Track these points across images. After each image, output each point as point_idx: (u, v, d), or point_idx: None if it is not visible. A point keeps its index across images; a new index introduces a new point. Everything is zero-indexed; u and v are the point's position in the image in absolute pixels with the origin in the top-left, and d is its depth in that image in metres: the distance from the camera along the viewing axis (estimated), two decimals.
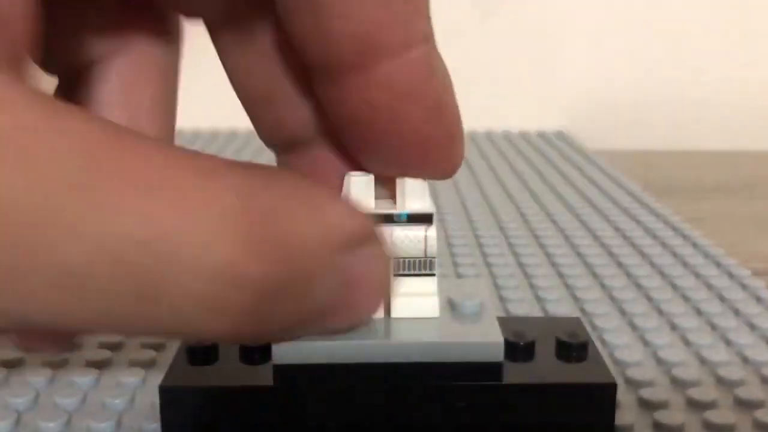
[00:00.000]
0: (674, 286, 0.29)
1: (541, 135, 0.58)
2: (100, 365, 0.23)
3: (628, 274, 0.30)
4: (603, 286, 0.29)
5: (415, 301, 0.19)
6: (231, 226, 0.14)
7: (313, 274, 0.16)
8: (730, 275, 0.30)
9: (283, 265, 0.15)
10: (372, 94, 0.17)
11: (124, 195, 0.13)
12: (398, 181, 0.18)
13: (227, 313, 0.14)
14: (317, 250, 0.16)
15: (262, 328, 0.15)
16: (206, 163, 0.14)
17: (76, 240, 0.12)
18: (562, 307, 0.27)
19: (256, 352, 0.19)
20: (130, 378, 0.22)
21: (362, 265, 0.16)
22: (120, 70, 0.18)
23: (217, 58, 0.19)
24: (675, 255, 0.32)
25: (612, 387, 0.19)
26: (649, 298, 0.28)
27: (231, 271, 0.14)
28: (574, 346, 0.20)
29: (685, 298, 0.28)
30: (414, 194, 0.19)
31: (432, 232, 0.19)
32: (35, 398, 0.21)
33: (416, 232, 0.19)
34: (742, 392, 0.21)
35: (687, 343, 0.25)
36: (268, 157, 0.19)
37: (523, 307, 0.27)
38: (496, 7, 0.58)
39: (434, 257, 0.19)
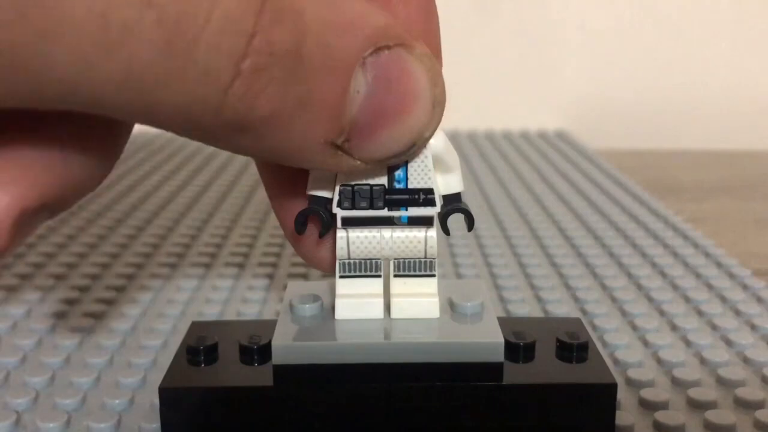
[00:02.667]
0: (675, 287, 0.29)
1: (542, 135, 0.58)
2: (100, 365, 0.23)
3: (629, 275, 0.30)
4: (603, 286, 0.29)
5: (415, 302, 0.19)
6: None
7: (342, 62, 0.15)
8: (731, 275, 0.30)
9: (306, 38, 0.15)
10: None
11: None
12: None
13: (247, 74, 0.14)
14: (340, 35, 0.15)
15: (276, 110, 0.15)
16: None
17: None
18: (562, 308, 0.27)
19: (256, 353, 0.19)
20: (130, 378, 0.22)
21: (397, 63, 0.16)
22: None
23: None
24: (675, 255, 0.32)
25: (612, 387, 0.19)
26: (650, 299, 0.28)
27: (250, 26, 0.14)
28: (574, 347, 0.20)
29: (686, 299, 0.28)
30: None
31: (432, 233, 0.19)
32: (35, 398, 0.21)
33: (416, 233, 0.19)
34: (743, 392, 0.21)
35: (687, 343, 0.25)
36: None
37: (524, 307, 0.27)
38: (496, 8, 0.58)
39: (434, 258, 0.19)
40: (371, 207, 0.19)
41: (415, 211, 0.19)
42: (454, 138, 0.55)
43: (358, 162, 0.17)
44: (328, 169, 0.18)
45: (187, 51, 0.14)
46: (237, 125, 0.15)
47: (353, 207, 0.19)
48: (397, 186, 0.19)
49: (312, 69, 0.15)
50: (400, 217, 0.19)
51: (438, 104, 0.17)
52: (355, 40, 0.16)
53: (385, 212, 0.19)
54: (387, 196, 0.19)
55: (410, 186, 0.19)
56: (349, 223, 0.19)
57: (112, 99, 0.14)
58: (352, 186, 0.18)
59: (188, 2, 0.14)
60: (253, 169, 0.46)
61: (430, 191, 0.19)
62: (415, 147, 0.17)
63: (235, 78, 0.14)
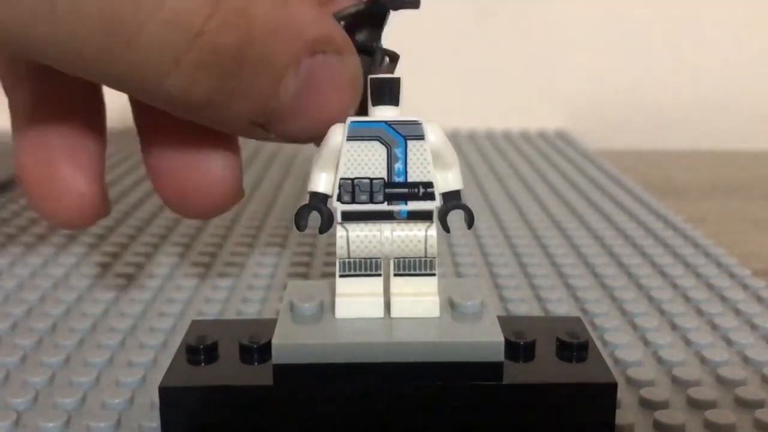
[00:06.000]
0: (675, 286, 0.29)
1: (542, 134, 0.58)
2: (100, 365, 0.23)
3: (629, 274, 0.30)
4: (603, 285, 0.29)
5: (415, 301, 0.19)
6: None
7: (280, 64, 0.17)
8: (731, 275, 0.30)
9: (251, 41, 0.16)
10: None
11: None
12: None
13: (187, 67, 0.16)
14: (284, 41, 0.17)
15: (211, 96, 0.17)
16: None
17: None
18: (562, 307, 0.27)
19: (256, 352, 0.19)
20: (130, 377, 0.22)
21: (328, 69, 0.18)
22: None
23: None
24: (675, 255, 0.32)
25: (612, 387, 0.19)
26: (650, 298, 0.28)
27: (198, 26, 0.16)
28: (574, 346, 0.20)
29: (686, 298, 0.28)
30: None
31: (432, 231, 0.19)
32: (35, 398, 0.21)
33: (416, 232, 0.19)
34: (743, 392, 0.21)
35: (687, 342, 0.25)
36: None
37: (524, 306, 0.27)
38: (496, 8, 0.58)
39: (434, 257, 0.19)
40: (371, 201, 0.19)
41: (414, 206, 0.19)
42: (454, 138, 0.55)
43: (272, 136, 0.19)
44: (243, 136, 0.20)
45: (128, 37, 0.15)
46: (172, 103, 0.17)
47: (353, 201, 0.19)
48: (397, 179, 0.19)
49: (250, 68, 0.17)
50: (399, 212, 0.19)
51: (353, 105, 0.19)
52: (296, 45, 0.17)
53: (384, 206, 0.19)
54: (387, 190, 0.19)
55: (409, 179, 0.19)
56: (348, 217, 0.19)
57: (61, 60, 0.16)
58: (352, 180, 0.18)
59: None
60: (253, 169, 0.46)
61: (430, 185, 0.19)
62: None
63: (173, 69, 0.16)
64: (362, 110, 0.20)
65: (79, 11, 0.15)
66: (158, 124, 0.21)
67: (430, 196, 0.19)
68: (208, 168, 0.21)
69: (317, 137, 0.19)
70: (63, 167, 0.21)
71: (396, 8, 0.20)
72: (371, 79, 0.19)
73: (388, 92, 0.19)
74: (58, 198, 0.21)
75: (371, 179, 0.19)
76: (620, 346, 0.24)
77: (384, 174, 0.19)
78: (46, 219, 0.22)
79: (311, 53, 0.18)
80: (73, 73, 0.17)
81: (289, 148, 0.50)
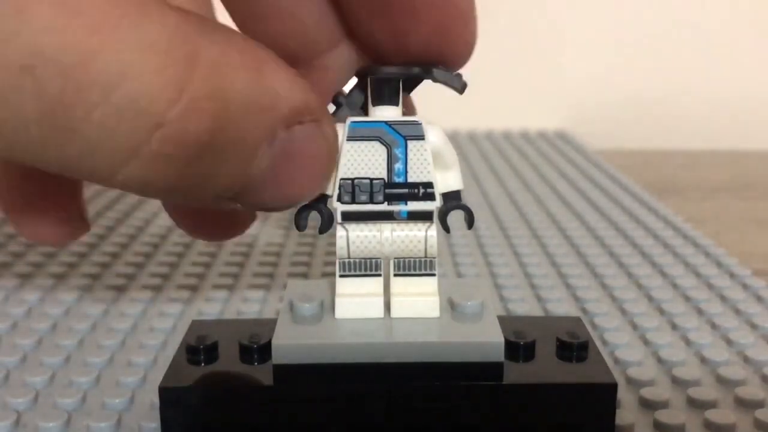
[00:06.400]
0: (675, 286, 0.29)
1: (542, 135, 0.58)
2: (100, 365, 0.23)
3: (629, 274, 0.30)
4: (604, 285, 0.29)
5: (415, 301, 0.19)
6: (165, 64, 0.13)
7: (253, 143, 0.15)
8: (731, 275, 0.30)
9: (222, 125, 0.14)
10: None
11: (37, 6, 0.12)
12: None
13: (148, 158, 0.14)
14: (259, 117, 0.15)
15: (174, 183, 0.15)
16: None
17: None
18: (562, 307, 0.27)
19: (256, 352, 0.19)
20: (130, 377, 0.22)
21: (303, 141, 0.16)
22: None
23: None
24: (676, 255, 0.32)
25: (613, 387, 0.19)
26: (650, 298, 0.28)
27: (161, 114, 0.13)
28: (574, 346, 0.20)
29: (686, 298, 0.28)
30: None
31: (432, 232, 0.19)
32: (35, 398, 0.21)
33: (416, 232, 0.19)
34: (743, 392, 0.21)
35: (687, 342, 0.25)
36: None
37: (524, 306, 0.27)
38: (496, 8, 0.58)
39: (435, 257, 0.19)
40: (371, 201, 0.19)
41: (414, 206, 0.19)
42: (454, 138, 0.55)
43: (239, 206, 0.17)
44: (209, 209, 0.19)
45: (71, 127, 0.13)
46: (128, 189, 0.15)
47: (353, 201, 0.19)
48: (397, 180, 0.19)
49: (220, 152, 0.15)
50: (399, 212, 0.19)
51: (329, 176, 0.18)
52: (271, 120, 0.15)
53: (384, 206, 0.19)
54: (387, 190, 0.19)
55: (409, 180, 0.19)
56: (348, 217, 0.19)
57: None
58: (352, 180, 0.18)
59: (83, 77, 0.13)
60: None
61: (430, 185, 0.19)
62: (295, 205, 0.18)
63: (128, 161, 0.14)
64: (363, 111, 0.20)
65: (12, 101, 0.13)
66: None
67: (430, 197, 0.19)
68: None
69: (289, 208, 0.18)
70: (38, 202, 0.21)
71: (441, 82, 0.19)
72: (371, 79, 0.19)
73: (388, 92, 0.19)
74: (36, 224, 0.21)
75: (371, 179, 0.19)
76: (620, 346, 0.24)
77: (384, 174, 0.19)
78: (26, 239, 0.22)
79: (287, 126, 0.16)
80: (5, 160, 0.15)
81: None
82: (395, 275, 0.19)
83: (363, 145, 0.19)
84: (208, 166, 0.15)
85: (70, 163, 0.14)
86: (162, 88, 0.13)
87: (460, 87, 0.19)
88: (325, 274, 0.30)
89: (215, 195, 0.16)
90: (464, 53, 0.19)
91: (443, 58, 0.19)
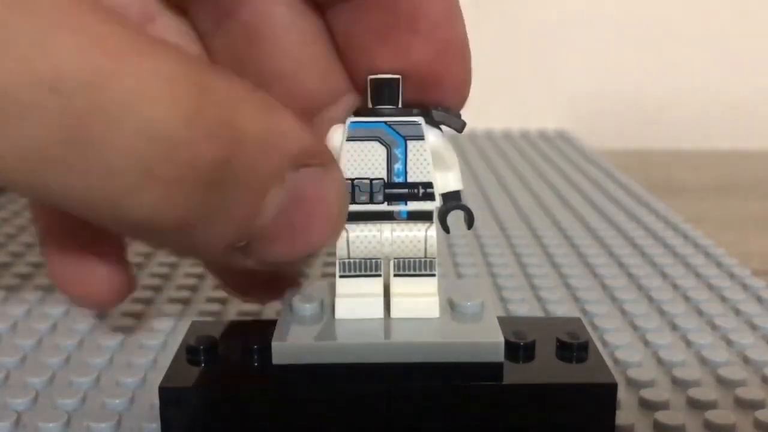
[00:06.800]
0: (675, 286, 0.29)
1: (542, 135, 0.58)
2: (100, 365, 0.23)
3: (629, 275, 0.30)
4: (604, 286, 0.29)
5: (415, 302, 0.19)
6: (180, 91, 0.14)
7: (263, 177, 0.15)
8: (731, 275, 0.30)
9: (234, 154, 0.15)
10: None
11: (60, 33, 0.13)
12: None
13: (162, 182, 0.14)
14: (269, 151, 0.15)
15: (184, 216, 0.15)
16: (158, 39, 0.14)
17: (5, 57, 0.12)
18: (562, 308, 0.27)
19: (256, 353, 0.19)
20: (130, 378, 0.22)
21: (313, 183, 0.16)
22: None
23: None
24: (676, 255, 0.32)
25: (613, 387, 0.19)
26: (650, 299, 0.28)
27: (176, 136, 0.14)
28: (574, 347, 0.20)
29: (686, 298, 0.28)
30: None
31: (432, 232, 0.19)
32: (35, 398, 0.21)
33: (416, 232, 0.19)
34: (743, 392, 0.21)
35: (687, 343, 0.25)
36: None
37: (524, 307, 0.27)
38: (496, 8, 0.58)
39: (434, 258, 0.19)
40: (371, 201, 0.19)
41: (414, 206, 0.19)
42: (454, 138, 0.55)
43: (250, 261, 0.17)
44: (218, 262, 0.19)
45: (90, 146, 0.13)
46: (138, 226, 0.15)
47: (353, 201, 0.19)
48: (397, 180, 0.19)
49: (231, 184, 0.15)
50: (399, 212, 0.19)
51: (341, 224, 0.18)
52: (280, 159, 0.16)
53: (384, 207, 0.19)
54: (386, 190, 0.19)
55: (409, 179, 0.19)
56: (348, 217, 0.19)
57: (6, 175, 0.14)
58: (352, 180, 0.18)
59: (102, 96, 0.13)
60: None
61: (430, 185, 0.19)
62: (309, 258, 0.18)
63: (144, 184, 0.14)
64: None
65: (36, 117, 0.13)
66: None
67: (430, 197, 0.19)
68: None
69: (299, 261, 0.18)
70: (86, 254, 0.20)
71: (443, 124, 0.19)
72: (371, 79, 0.19)
73: (388, 92, 0.19)
74: (84, 284, 0.20)
75: (371, 179, 0.19)
76: (620, 347, 0.24)
77: (384, 174, 0.19)
78: (74, 302, 0.21)
79: (296, 167, 0.16)
80: (23, 193, 0.15)
81: None
82: (395, 275, 0.19)
83: (362, 145, 0.19)
84: (218, 198, 0.15)
85: (90, 190, 0.14)
86: (177, 112, 0.14)
87: (459, 127, 0.19)
88: (325, 274, 0.30)
89: (228, 239, 0.16)
90: (462, 87, 0.20)
91: (441, 83, 0.19)
